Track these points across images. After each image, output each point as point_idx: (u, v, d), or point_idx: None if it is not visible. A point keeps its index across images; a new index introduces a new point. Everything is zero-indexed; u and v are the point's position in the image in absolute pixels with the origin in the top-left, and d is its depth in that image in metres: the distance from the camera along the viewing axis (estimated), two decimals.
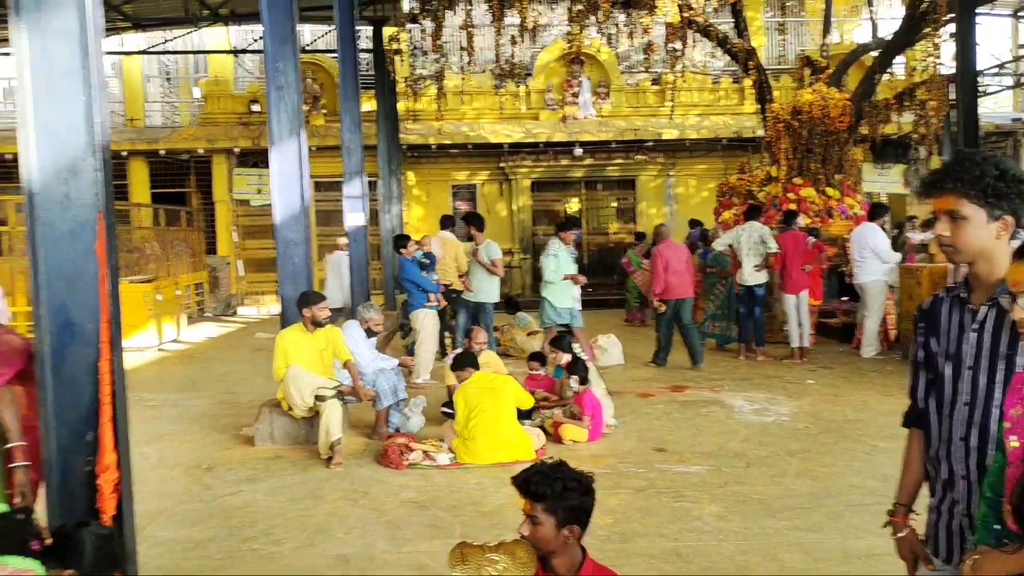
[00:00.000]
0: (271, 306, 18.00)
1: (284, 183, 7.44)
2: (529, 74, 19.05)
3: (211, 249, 18.89)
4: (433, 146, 18.44)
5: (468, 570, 2.64)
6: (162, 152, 18.44)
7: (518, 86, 18.94)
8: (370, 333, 7.44)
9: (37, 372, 3.37)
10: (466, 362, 6.72)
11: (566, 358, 7.10)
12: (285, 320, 7.27)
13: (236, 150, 18.53)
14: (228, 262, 18.48)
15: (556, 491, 2.68)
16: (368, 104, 16.53)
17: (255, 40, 19.36)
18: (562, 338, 7.37)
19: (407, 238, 10.04)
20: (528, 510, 2.70)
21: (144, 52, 18.92)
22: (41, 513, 3.29)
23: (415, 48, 17.51)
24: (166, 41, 18.87)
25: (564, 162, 18.98)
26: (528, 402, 6.63)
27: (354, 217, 11.77)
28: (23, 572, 2.52)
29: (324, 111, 18.64)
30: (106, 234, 3.40)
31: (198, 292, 17.64)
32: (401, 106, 17.63)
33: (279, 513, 5.21)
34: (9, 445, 3.43)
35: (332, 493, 5.58)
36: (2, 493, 3.42)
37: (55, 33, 3.34)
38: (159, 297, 13.15)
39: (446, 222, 11.23)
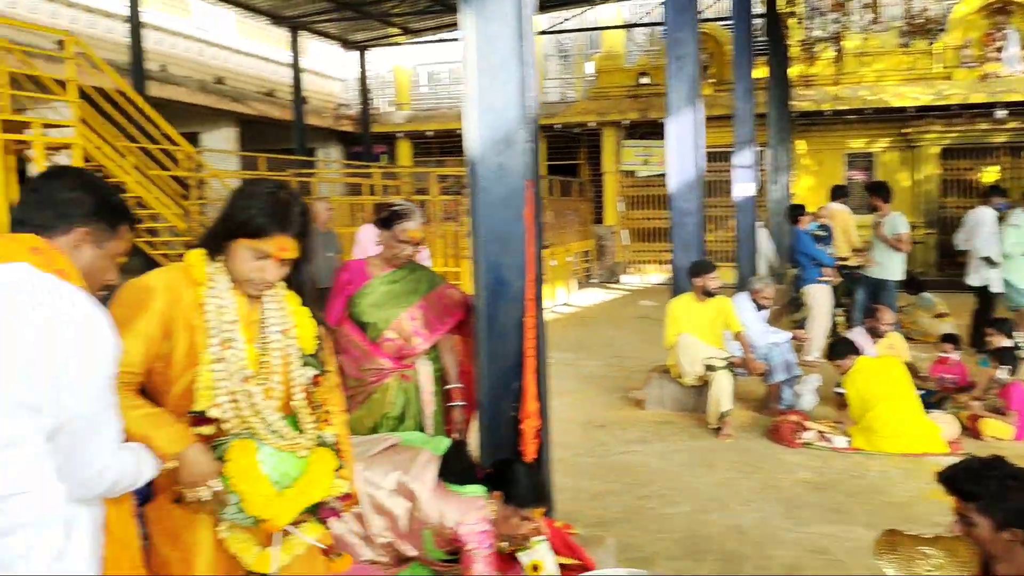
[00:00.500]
0: (653, 275, 18.40)
1: (680, 153, 7.50)
2: (942, 29, 17.09)
3: (598, 219, 19.75)
4: (827, 112, 17.37)
5: (897, 561, 2.47)
6: (557, 126, 19.61)
7: (930, 43, 17.10)
8: (759, 306, 7.25)
9: (473, 324, 3.77)
10: (844, 350, 6.19)
11: (1003, 343, 6.30)
12: (676, 288, 7.36)
13: (624, 122, 19.09)
14: (614, 231, 19.20)
15: (991, 490, 2.40)
16: (758, 71, 16.02)
17: (646, 13, 19.70)
18: (1005, 321, 6.56)
19: (802, 209, 9.60)
20: (959, 509, 2.44)
21: (546, 32, 20.18)
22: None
23: (812, 9, 16.61)
24: (564, 20, 19.94)
25: (982, 126, 16.79)
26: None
27: (743, 187, 11.49)
28: (476, 498, 2.85)
29: (712, 80, 18.44)
30: (533, 201, 3.68)
31: (586, 259, 18.58)
32: (793, 71, 16.83)
33: (671, 476, 5.32)
34: (448, 387, 3.88)
35: (723, 463, 5.58)
36: (441, 428, 3.88)
37: (496, 17, 3.63)
38: (553, 263, 14.07)
39: (837, 193, 10.53)
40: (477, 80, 3.68)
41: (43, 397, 1.67)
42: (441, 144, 21.16)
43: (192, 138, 16.73)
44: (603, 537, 3.68)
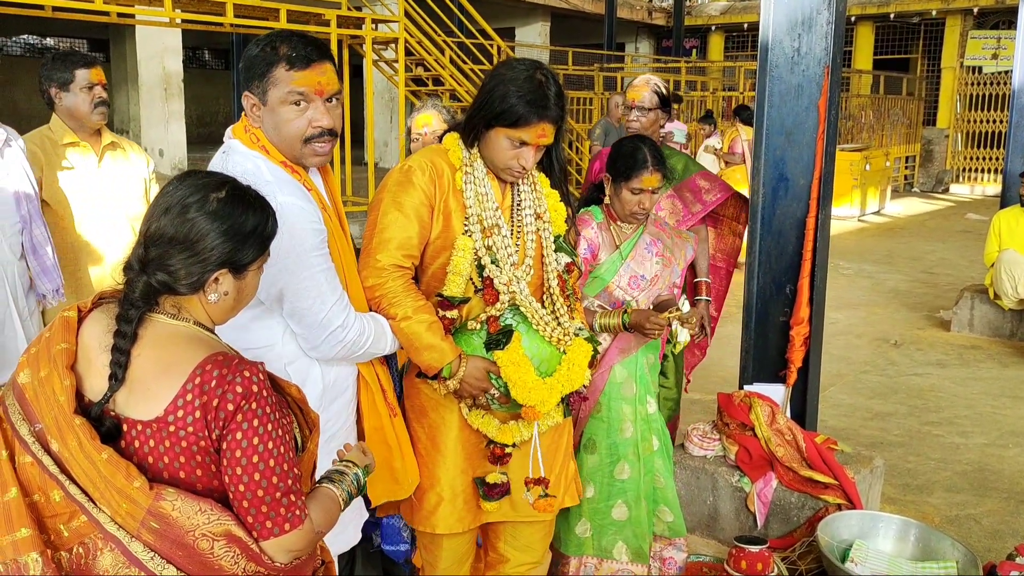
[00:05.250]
0: (987, 186, 16.33)
1: None
2: None
3: (928, 120, 17.73)
4: None
5: None
6: (891, 15, 17.64)
7: None
8: None
9: (748, 222, 3.59)
10: None
11: None
12: (1005, 199, 6.50)
13: (975, 9, 16.71)
14: (946, 135, 17.14)
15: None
16: None
17: None
18: None
19: None
20: None
21: None
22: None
23: None
24: None
25: None
26: None
27: None
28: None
29: None
30: (830, 91, 3.38)
31: (908, 165, 16.86)
32: None
33: (967, 404, 4.82)
34: (696, 280, 3.68)
35: None
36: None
37: None
38: (867, 167, 12.95)
39: None
40: None
41: None
42: (755, 37, 19.96)
43: (508, 33, 17.29)
44: (871, 457, 3.44)
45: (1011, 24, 16.03)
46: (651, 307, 2.78)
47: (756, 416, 3.33)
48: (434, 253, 2.15)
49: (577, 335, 2.25)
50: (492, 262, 2.13)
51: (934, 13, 17.20)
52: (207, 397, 1.34)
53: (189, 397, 1.34)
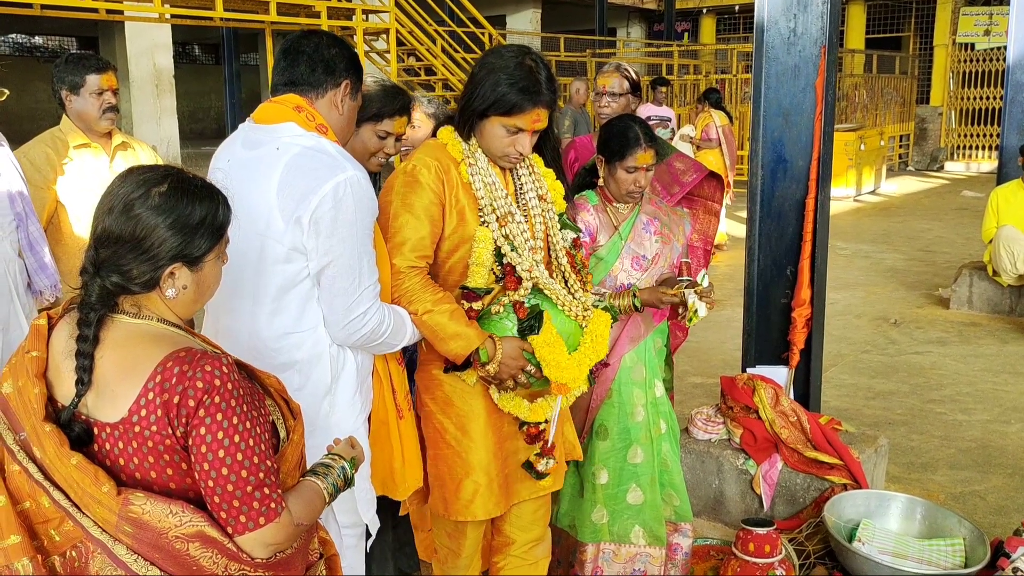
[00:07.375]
0: (982, 163, 16.31)
1: None
2: None
3: (922, 98, 17.70)
4: None
5: None
6: None
7: None
8: None
9: (747, 205, 3.58)
10: None
11: None
12: (1002, 175, 6.50)
13: None
14: (940, 113, 17.12)
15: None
16: None
17: None
18: None
19: None
20: None
21: None
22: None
23: None
24: None
25: None
26: None
27: None
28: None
29: None
30: (827, 70, 3.37)
31: (902, 144, 16.84)
32: None
33: (969, 382, 4.83)
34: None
35: None
36: None
37: None
38: (862, 147, 12.93)
39: None
40: None
41: (312, 242, 1.84)
42: (747, 19, 19.91)
43: (499, 20, 17.21)
44: (875, 437, 3.45)
45: (1002, 0, 15.98)
46: (655, 286, 2.78)
47: (760, 398, 3.34)
48: (451, 248, 2.14)
49: (596, 307, 2.28)
50: (512, 249, 2.13)
51: None
52: (168, 395, 1.31)
53: (151, 396, 1.32)
